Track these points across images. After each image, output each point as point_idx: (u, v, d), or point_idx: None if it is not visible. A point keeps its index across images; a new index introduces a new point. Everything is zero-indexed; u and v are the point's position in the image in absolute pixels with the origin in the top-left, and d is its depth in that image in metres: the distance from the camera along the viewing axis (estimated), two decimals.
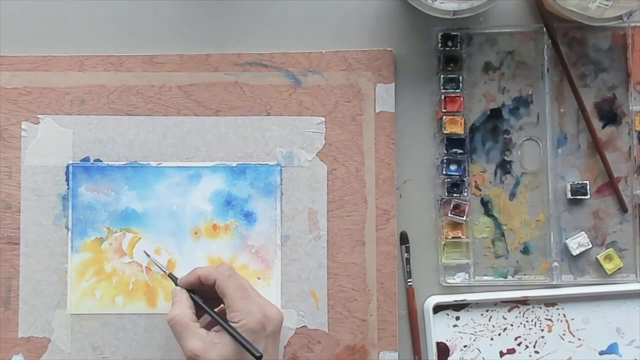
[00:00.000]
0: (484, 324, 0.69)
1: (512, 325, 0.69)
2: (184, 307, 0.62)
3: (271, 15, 0.71)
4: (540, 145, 0.70)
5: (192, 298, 0.63)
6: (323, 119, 0.69)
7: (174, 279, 0.65)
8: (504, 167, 0.70)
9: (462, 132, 0.69)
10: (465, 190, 0.69)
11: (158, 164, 0.69)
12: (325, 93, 0.69)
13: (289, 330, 0.68)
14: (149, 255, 0.68)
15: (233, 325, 0.60)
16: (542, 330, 0.69)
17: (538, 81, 0.70)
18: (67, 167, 0.69)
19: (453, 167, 0.69)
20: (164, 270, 0.67)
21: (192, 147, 0.69)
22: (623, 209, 0.69)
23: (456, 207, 0.69)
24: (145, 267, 0.68)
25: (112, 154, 0.69)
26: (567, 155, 0.70)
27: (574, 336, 0.69)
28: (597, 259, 0.69)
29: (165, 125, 0.69)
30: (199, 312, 0.63)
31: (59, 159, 0.69)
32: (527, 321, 0.69)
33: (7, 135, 0.69)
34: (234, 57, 0.69)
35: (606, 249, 0.69)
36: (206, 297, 0.63)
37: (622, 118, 0.70)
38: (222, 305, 0.63)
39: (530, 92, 0.70)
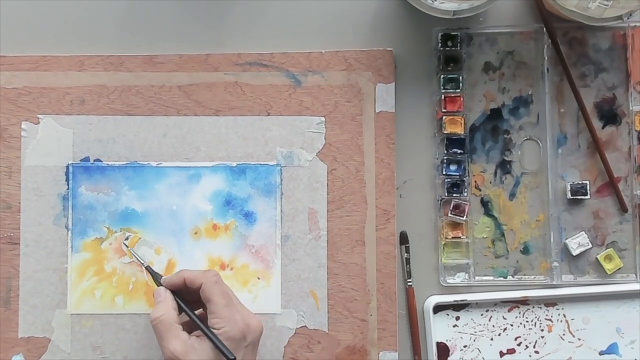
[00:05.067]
0: (484, 324, 0.69)
1: (512, 325, 0.69)
2: (168, 307, 0.62)
3: (271, 15, 0.71)
4: (540, 145, 0.70)
5: (176, 301, 0.63)
6: (323, 118, 0.69)
7: (156, 276, 0.65)
8: (504, 167, 0.70)
9: (462, 132, 0.69)
10: (465, 190, 0.69)
11: (158, 164, 0.69)
12: (325, 93, 0.69)
13: (289, 330, 0.68)
14: (127, 246, 0.68)
15: (214, 331, 0.60)
16: (542, 330, 0.69)
17: (538, 81, 0.70)
18: (67, 167, 0.69)
19: (453, 167, 0.69)
20: (143, 263, 0.66)
21: (192, 147, 0.69)
22: (623, 209, 0.69)
23: (456, 207, 0.69)
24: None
25: (112, 154, 0.69)
26: (567, 155, 0.70)
27: (574, 336, 0.69)
28: (597, 259, 0.69)
29: (165, 125, 0.69)
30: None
31: (59, 159, 0.69)
32: (527, 321, 0.69)
33: (7, 135, 0.69)
34: (234, 57, 0.69)
35: (606, 249, 0.69)
36: (185, 299, 0.63)
37: (622, 118, 0.70)
38: (201, 310, 0.63)
39: (530, 92, 0.70)
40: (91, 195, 0.69)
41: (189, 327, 0.62)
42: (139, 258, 0.67)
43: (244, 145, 0.69)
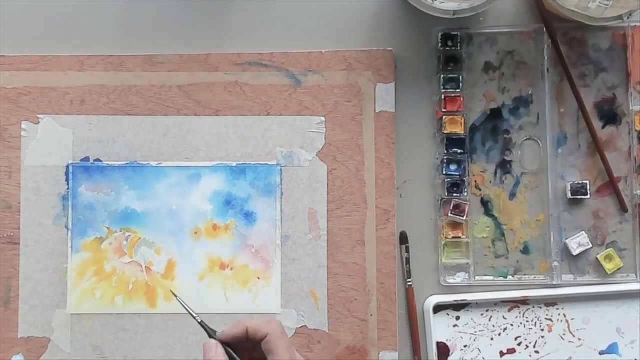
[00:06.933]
0: (484, 324, 0.69)
1: (512, 325, 0.69)
2: None
3: (271, 15, 0.71)
4: (540, 145, 0.70)
5: (227, 354, 0.56)
6: (323, 118, 0.69)
7: (209, 331, 0.57)
8: (504, 167, 0.70)
9: (462, 132, 0.69)
10: (465, 190, 0.69)
11: (158, 164, 0.69)
12: (325, 93, 0.69)
13: (289, 330, 0.68)
14: (176, 295, 0.60)
15: None
16: (542, 330, 0.69)
17: (538, 81, 0.70)
18: (67, 167, 0.69)
19: (453, 167, 0.69)
20: (196, 317, 0.58)
21: (192, 147, 0.69)
22: (623, 209, 0.69)
23: (456, 207, 0.69)
24: (145, 267, 0.68)
25: (112, 154, 0.69)
26: (567, 155, 0.70)
27: (574, 336, 0.69)
28: (597, 258, 0.69)
29: (165, 125, 0.69)
30: None
31: (59, 158, 0.69)
32: (527, 321, 0.69)
33: (7, 135, 0.69)
34: (234, 57, 0.69)
35: (606, 248, 0.69)
36: (238, 348, 0.56)
37: (622, 118, 0.70)
38: None
39: (530, 92, 0.70)
40: (91, 195, 0.69)
41: None
42: (190, 311, 0.58)
43: (244, 145, 0.69)
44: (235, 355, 0.55)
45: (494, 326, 0.69)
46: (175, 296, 0.59)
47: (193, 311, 0.58)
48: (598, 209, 0.70)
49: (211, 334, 0.56)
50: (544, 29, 0.69)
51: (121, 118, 0.69)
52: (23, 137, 0.69)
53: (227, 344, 0.56)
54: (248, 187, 0.69)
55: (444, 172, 0.69)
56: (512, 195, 0.70)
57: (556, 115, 0.70)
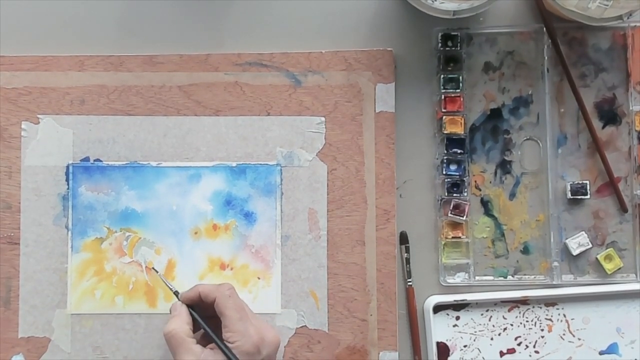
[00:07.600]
0: (484, 324, 0.69)
1: (512, 325, 0.69)
2: (182, 322, 0.62)
3: (271, 15, 0.71)
4: (540, 145, 0.70)
5: (191, 314, 0.63)
6: (323, 118, 0.69)
7: (176, 294, 0.65)
8: (504, 167, 0.70)
9: (462, 132, 0.69)
10: (465, 190, 0.69)
11: (158, 164, 0.69)
12: (325, 93, 0.69)
13: (289, 330, 0.68)
14: (157, 271, 0.68)
15: (228, 345, 0.60)
16: (542, 330, 0.69)
17: (538, 81, 0.70)
18: (67, 167, 0.69)
19: (453, 167, 0.69)
20: (170, 287, 0.66)
21: (192, 147, 0.69)
22: (623, 209, 0.69)
23: (456, 207, 0.69)
24: (145, 267, 0.68)
25: (112, 154, 0.69)
26: (567, 155, 0.70)
27: (574, 336, 0.69)
28: (597, 258, 0.69)
29: (165, 125, 0.69)
30: (195, 328, 0.63)
31: (59, 159, 0.69)
32: (527, 321, 0.69)
33: (7, 135, 0.69)
34: (234, 57, 0.69)
35: (606, 248, 0.69)
36: (204, 314, 0.64)
37: (622, 118, 0.70)
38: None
39: (530, 92, 0.70)
40: (91, 195, 0.69)
41: (206, 342, 0.62)
42: (167, 283, 0.66)
43: (244, 145, 0.69)
44: (195, 314, 0.63)
45: (493, 326, 0.69)
46: (156, 270, 0.68)
47: (169, 283, 0.66)
48: (598, 209, 0.70)
49: (179, 298, 0.64)
50: (544, 29, 0.69)
51: (121, 118, 0.69)
52: (23, 137, 0.69)
53: (191, 306, 0.64)
54: (248, 187, 0.69)
55: (444, 172, 0.69)
56: (512, 195, 0.70)
57: (556, 115, 0.70)
